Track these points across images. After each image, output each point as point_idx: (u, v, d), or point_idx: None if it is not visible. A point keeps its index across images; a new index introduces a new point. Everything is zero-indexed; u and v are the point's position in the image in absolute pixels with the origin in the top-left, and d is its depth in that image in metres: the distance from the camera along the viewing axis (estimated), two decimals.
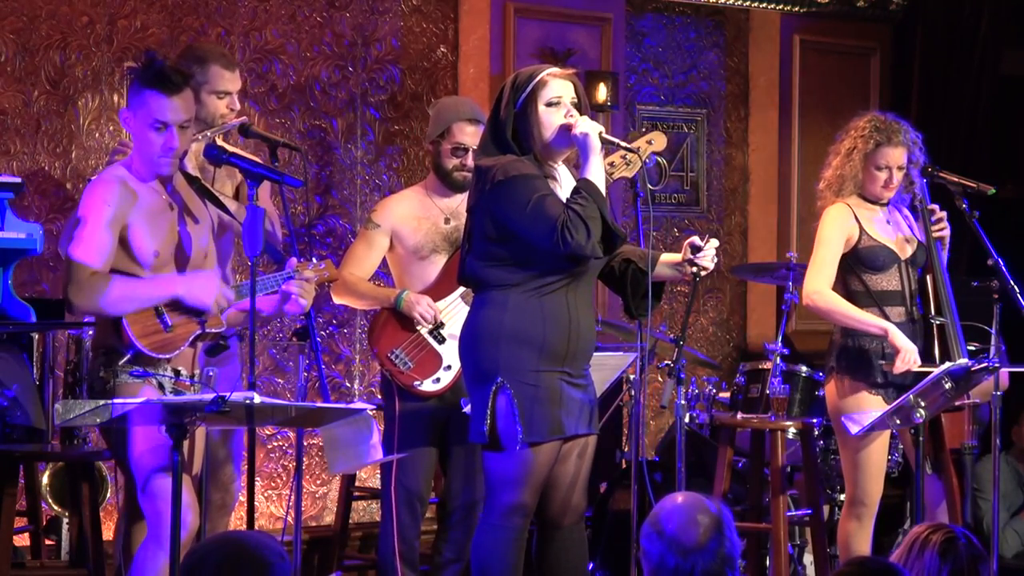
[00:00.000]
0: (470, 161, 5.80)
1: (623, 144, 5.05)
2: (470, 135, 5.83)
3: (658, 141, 5.44)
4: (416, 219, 5.92)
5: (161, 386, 4.94)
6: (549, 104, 4.90)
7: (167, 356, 4.94)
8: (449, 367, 5.83)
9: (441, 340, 5.85)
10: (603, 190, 4.87)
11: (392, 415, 5.91)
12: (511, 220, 4.84)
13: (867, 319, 5.87)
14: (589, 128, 4.88)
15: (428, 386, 5.83)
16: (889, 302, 5.94)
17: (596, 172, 4.87)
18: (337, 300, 6.06)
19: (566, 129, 4.89)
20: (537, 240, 4.81)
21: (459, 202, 5.88)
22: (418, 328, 5.86)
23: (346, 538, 6.94)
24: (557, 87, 4.92)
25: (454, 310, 5.84)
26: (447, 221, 5.90)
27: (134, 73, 5.06)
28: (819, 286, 5.90)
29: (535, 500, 4.98)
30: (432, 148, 5.94)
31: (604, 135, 4.91)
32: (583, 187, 4.85)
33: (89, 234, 4.88)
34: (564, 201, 4.83)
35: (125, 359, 4.88)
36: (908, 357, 5.78)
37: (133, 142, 5.06)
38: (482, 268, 4.95)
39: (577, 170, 4.95)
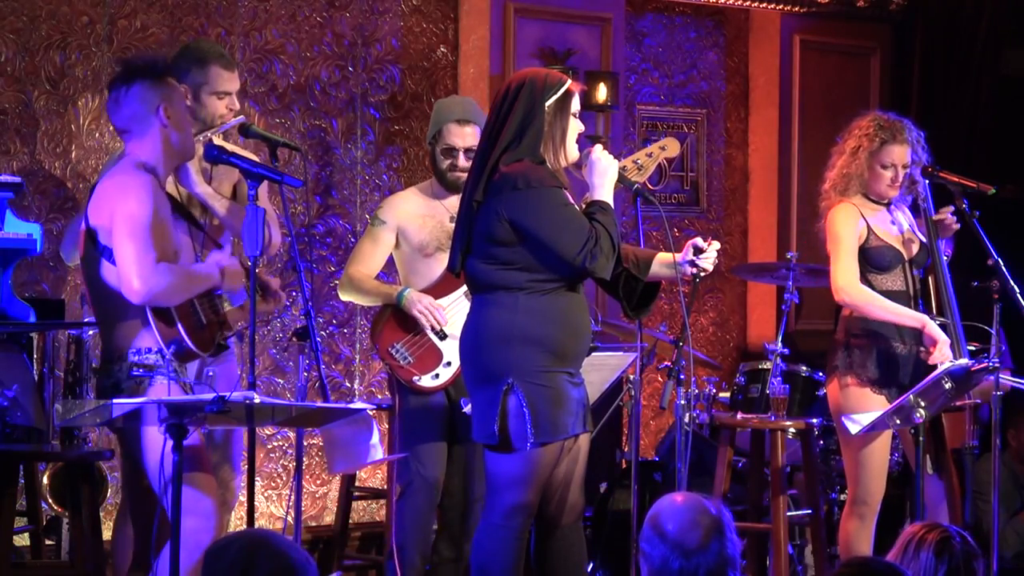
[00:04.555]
0: (461, 162, 5.89)
1: (637, 186, 5.19)
2: (459, 136, 5.92)
3: (671, 147, 5.50)
4: (422, 217, 5.96)
5: (185, 388, 4.90)
6: (574, 115, 5.04)
7: (204, 354, 4.93)
8: (449, 363, 5.84)
9: (442, 336, 5.86)
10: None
11: (396, 411, 5.94)
12: (535, 230, 4.89)
13: (903, 312, 5.91)
14: (611, 161, 5.04)
15: (427, 382, 5.85)
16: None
17: (610, 195, 5.02)
18: (343, 297, 6.11)
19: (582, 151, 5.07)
20: (563, 254, 4.88)
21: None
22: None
23: (346, 538, 6.94)
24: (577, 101, 5.07)
25: (457, 307, 5.85)
26: (452, 219, 5.91)
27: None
28: (849, 280, 5.92)
29: (538, 500, 5.00)
30: (430, 149, 6.03)
31: (623, 172, 5.11)
32: (607, 208, 4.97)
33: (145, 227, 4.78)
34: (585, 215, 4.94)
35: (164, 357, 4.82)
36: (945, 349, 5.81)
37: (174, 134, 4.95)
38: (486, 270, 4.97)
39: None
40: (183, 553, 4.40)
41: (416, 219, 5.96)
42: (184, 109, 5.00)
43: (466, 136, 5.91)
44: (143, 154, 4.93)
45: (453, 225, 5.89)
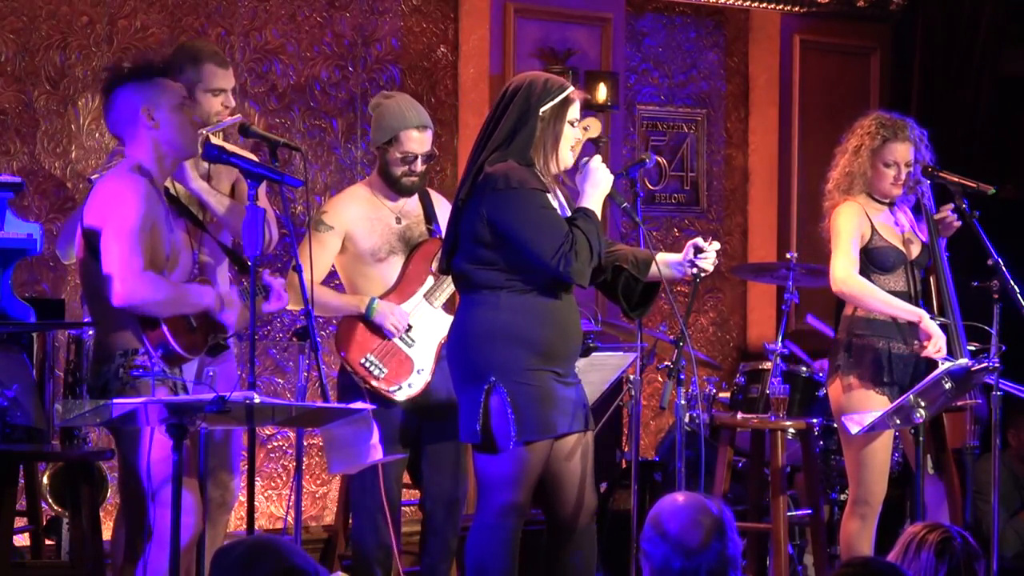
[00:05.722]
0: (419, 167, 5.76)
1: (626, 205, 5.20)
2: (420, 143, 5.74)
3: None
4: (369, 220, 5.79)
5: (174, 387, 4.91)
6: (571, 123, 5.02)
7: (194, 357, 4.93)
8: (421, 371, 5.73)
9: (410, 343, 5.75)
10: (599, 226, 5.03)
11: None
12: (512, 231, 4.87)
13: (901, 305, 5.92)
14: (607, 175, 5.02)
15: (403, 392, 5.71)
16: None
17: (597, 206, 5.00)
18: (294, 307, 5.71)
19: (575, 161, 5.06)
20: (538, 255, 4.87)
21: (404, 202, 5.83)
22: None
23: (346, 538, 6.93)
24: (576, 109, 5.04)
25: (418, 311, 5.77)
26: (398, 220, 5.82)
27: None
28: (847, 271, 5.92)
29: (529, 499, 4.99)
30: (378, 153, 5.82)
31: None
32: (591, 216, 4.95)
33: (134, 231, 4.80)
34: (566, 221, 4.92)
35: (152, 359, 4.83)
36: (939, 343, 5.82)
37: (163, 133, 4.95)
38: (470, 269, 4.98)
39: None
40: (164, 549, 4.44)
41: (364, 223, 5.78)
42: (174, 108, 4.94)
43: (425, 142, 5.75)
44: (139, 157, 4.94)
45: (399, 226, 5.83)
